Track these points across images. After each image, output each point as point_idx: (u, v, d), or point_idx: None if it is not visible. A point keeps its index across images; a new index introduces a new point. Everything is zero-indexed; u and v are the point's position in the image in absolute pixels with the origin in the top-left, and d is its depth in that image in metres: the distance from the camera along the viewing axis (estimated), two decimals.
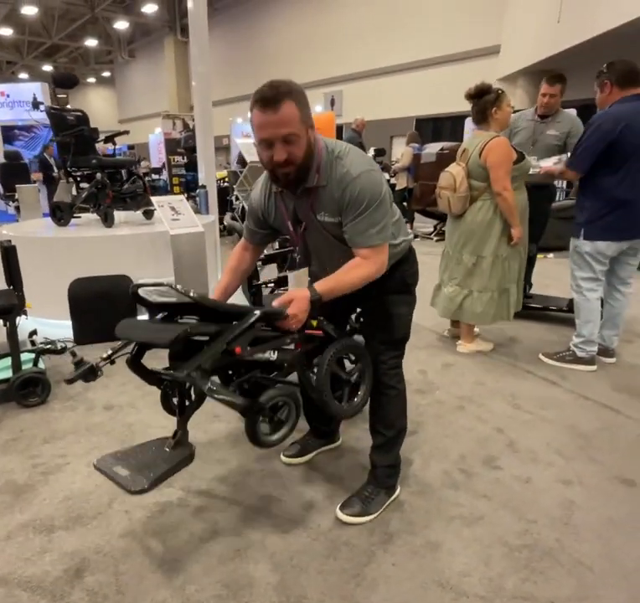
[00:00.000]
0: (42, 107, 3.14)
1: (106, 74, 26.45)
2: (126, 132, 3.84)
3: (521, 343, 3.23)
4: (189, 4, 3.93)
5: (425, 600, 1.38)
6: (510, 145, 2.72)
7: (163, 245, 3.31)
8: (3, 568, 1.48)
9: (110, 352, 1.54)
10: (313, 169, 1.41)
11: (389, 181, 8.16)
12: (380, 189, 1.41)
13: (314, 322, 1.53)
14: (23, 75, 23.12)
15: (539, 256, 5.82)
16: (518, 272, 2.89)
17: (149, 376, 1.57)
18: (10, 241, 2.39)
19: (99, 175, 3.43)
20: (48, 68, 23.28)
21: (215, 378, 1.44)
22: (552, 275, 4.88)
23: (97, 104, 28.47)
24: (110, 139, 3.73)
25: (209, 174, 4.36)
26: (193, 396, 1.54)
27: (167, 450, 1.49)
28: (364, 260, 1.45)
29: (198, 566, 1.48)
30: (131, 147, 21.58)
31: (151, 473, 1.38)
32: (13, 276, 2.29)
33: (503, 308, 2.91)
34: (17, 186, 6.27)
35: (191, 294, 1.32)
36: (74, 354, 1.59)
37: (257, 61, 18.35)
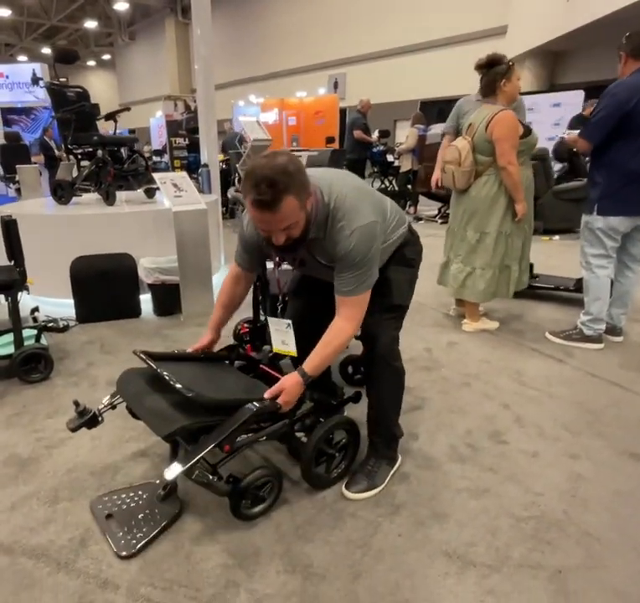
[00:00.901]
0: (41, 83, 3.08)
1: (107, 56, 26.08)
2: (128, 109, 3.78)
3: (527, 322, 3.20)
4: None
5: (431, 569, 1.37)
6: (517, 119, 2.65)
7: (166, 223, 3.27)
8: (8, 537, 1.48)
9: (109, 398, 1.60)
10: (311, 228, 1.42)
11: (392, 163, 8.05)
12: (372, 245, 1.43)
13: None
14: (22, 58, 22.80)
15: (545, 238, 5.78)
16: (521, 250, 2.84)
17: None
18: (11, 215, 2.35)
19: (100, 152, 3.37)
20: (47, 50, 22.94)
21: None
22: (558, 257, 4.82)
23: (98, 87, 28.10)
24: (111, 116, 3.66)
25: (211, 154, 4.29)
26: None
27: (156, 501, 1.53)
28: (345, 321, 1.48)
29: (204, 536, 1.47)
30: (132, 131, 21.37)
31: (140, 535, 1.43)
32: (14, 251, 2.25)
33: (502, 285, 2.86)
34: (17, 166, 6.19)
35: (190, 394, 1.37)
36: (77, 404, 1.61)
37: (260, 44, 18.05)
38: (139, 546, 1.39)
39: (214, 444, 1.37)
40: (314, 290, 1.78)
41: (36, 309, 2.73)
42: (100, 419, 1.60)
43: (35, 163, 7.87)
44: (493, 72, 2.62)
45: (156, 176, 3.02)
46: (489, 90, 2.68)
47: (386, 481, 1.69)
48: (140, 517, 1.48)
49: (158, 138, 12.34)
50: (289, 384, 1.47)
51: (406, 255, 1.71)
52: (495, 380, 2.44)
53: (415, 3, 13.47)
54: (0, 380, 2.43)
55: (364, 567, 1.38)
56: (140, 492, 1.58)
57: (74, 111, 3.33)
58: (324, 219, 1.43)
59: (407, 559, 1.40)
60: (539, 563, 1.39)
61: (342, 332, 1.49)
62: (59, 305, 3.36)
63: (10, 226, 2.18)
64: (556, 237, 5.82)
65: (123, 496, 1.57)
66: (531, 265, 3.74)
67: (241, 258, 1.74)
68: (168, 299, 3.23)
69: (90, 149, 3.51)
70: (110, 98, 27.26)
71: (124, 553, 1.37)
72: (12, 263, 2.31)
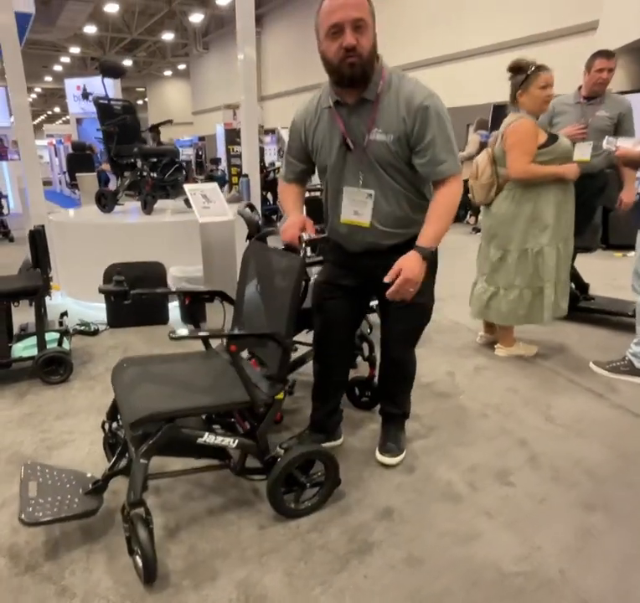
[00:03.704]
0: (90, 97, 3.37)
1: (182, 66, 27.74)
2: (170, 121, 4.00)
3: (571, 350, 2.97)
4: None
5: None
6: (536, 126, 2.50)
7: (196, 233, 3.41)
8: None
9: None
10: (377, 75, 1.47)
11: None
12: (446, 111, 1.50)
13: (280, 395, 1.56)
14: (108, 62, 24.85)
15: (617, 255, 5.37)
16: (556, 270, 2.63)
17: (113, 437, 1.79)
18: (43, 226, 2.57)
19: (139, 163, 3.60)
20: (128, 62, 24.85)
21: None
22: (626, 277, 4.44)
23: (172, 96, 30.01)
24: (154, 128, 3.90)
25: (251, 163, 4.43)
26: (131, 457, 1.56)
27: (81, 492, 1.57)
28: (446, 187, 1.52)
29: (167, 556, 1.51)
30: (201, 138, 22.54)
31: (48, 512, 1.47)
32: (40, 259, 2.46)
33: (536, 310, 2.67)
34: (77, 175, 6.75)
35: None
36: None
37: None
38: (41, 521, 1.45)
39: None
40: (338, 302, 1.79)
41: (65, 314, 2.95)
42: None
43: (104, 170, 8.54)
44: (514, 81, 2.53)
45: (186, 187, 3.17)
46: (511, 98, 2.59)
47: (405, 444, 1.97)
48: (58, 497, 1.53)
49: (221, 146, 12.91)
50: (407, 262, 1.49)
51: (432, 261, 1.70)
52: (518, 412, 2.30)
53: (491, 3, 13.12)
54: (25, 380, 2.64)
55: None
56: (71, 477, 1.64)
57: (117, 124, 3.59)
58: (392, 79, 1.50)
59: None
60: None
61: (447, 197, 1.54)
62: (95, 308, 3.60)
63: (36, 236, 2.38)
64: (631, 253, 5.37)
65: (55, 473, 1.65)
66: (586, 286, 3.50)
67: (288, 168, 1.78)
68: (195, 307, 3.36)
69: (133, 160, 3.75)
70: (184, 106, 28.99)
71: (24, 518, 1.43)
72: (38, 269, 2.51)
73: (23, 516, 1.43)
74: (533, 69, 2.43)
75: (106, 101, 3.74)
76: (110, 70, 3.80)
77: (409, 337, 1.84)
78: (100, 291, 1.79)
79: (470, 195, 2.80)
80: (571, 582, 1.41)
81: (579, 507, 1.70)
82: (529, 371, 2.71)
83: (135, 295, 1.77)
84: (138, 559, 1.38)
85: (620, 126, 3.11)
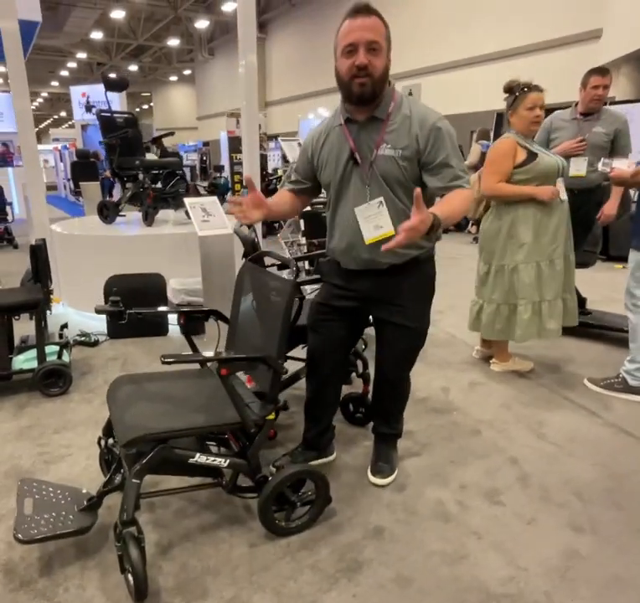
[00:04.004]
0: (93, 110, 3.43)
1: (187, 71, 27.97)
2: (172, 133, 4.06)
3: (567, 365, 3.00)
4: None
5: None
6: (515, 146, 2.52)
7: (196, 245, 3.46)
8: None
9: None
10: (388, 96, 1.56)
11: None
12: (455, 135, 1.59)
13: (271, 416, 1.61)
14: (111, 75, 25.11)
15: (618, 266, 5.38)
16: (536, 288, 2.62)
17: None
18: (44, 240, 2.62)
19: (140, 176, 3.66)
20: (134, 67, 25.11)
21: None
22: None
23: (178, 101, 30.22)
24: (157, 140, 3.96)
25: (253, 173, 4.48)
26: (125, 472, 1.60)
27: (76, 509, 1.61)
28: (460, 190, 1.55)
29: (159, 573, 1.54)
30: (205, 143, 22.68)
31: (43, 529, 1.50)
32: (40, 273, 2.51)
33: (512, 326, 2.70)
34: (81, 184, 6.83)
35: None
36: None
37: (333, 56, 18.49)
38: (36, 538, 1.48)
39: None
40: (334, 324, 1.82)
41: (65, 326, 3.00)
42: None
43: (107, 177, 8.64)
44: (507, 102, 2.58)
45: (186, 201, 3.23)
46: (507, 118, 2.63)
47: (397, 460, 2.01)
48: (53, 514, 1.57)
49: (225, 153, 13.02)
50: (423, 216, 1.34)
51: (430, 274, 1.78)
52: (510, 430, 2.32)
53: (494, 10, 13.22)
54: (25, 391, 2.69)
55: None
56: (66, 494, 1.68)
57: (119, 137, 3.65)
58: (403, 102, 1.59)
59: None
60: None
61: (460, 193, 1.55)
62: (96, 319, 3.64)
63: (37, 251, 2.43)
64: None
65: (51, 489, 1.69)
66: (583, 300, 3.52)
67: (291, 182, 1.81)
68: (194, 319, 3.40)
69: (134, 172, 3.81)
70: (188, 111, 29.19)
71: (20, 535, 1.46)
72: (38, 284, 2.56)
73: (18, 534, 1.47)
74: (522, 89, 2.48)
75: (109, 114, 3.81)
76: (114, 84, 3.87)
77: (404, 360, 1.86)
78: (97, 311, 1.83)
79: None
80: None
81: (567, 528, 1.72)
82: (523, 387, 2.74)
83: (131, 314, 1.81)
84: (130, 577, 1.42)
85: (616, 142, 3.15)
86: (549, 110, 3.73)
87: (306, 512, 1.70)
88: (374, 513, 1.79)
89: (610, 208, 3.15)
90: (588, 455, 2.13)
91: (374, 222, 1.61)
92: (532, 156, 2.54)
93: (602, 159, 2.65)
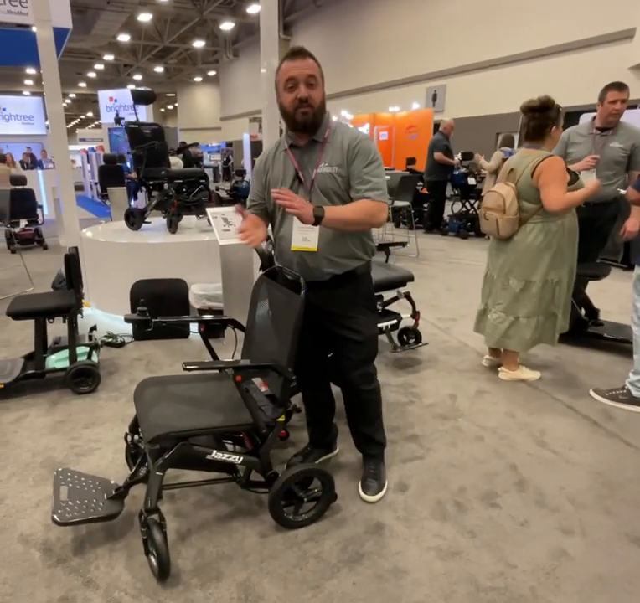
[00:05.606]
0: (122, 122, 3.65)
1: (212, 73, 28.48)
2: (196, 144, 4.29)
3: (575, 376, 3.10)
4: None
5: None
6: (565, 164, 2.67)
7: (217, 253, 3.67)
8: (27, 530, 1.86)
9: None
10: (325, 123, 1.79)
11: (474, 186, 7.95)
12: (377, 150, 1.81)
13: (281, 418, 1.79)
14: (137, 77, 25.80)
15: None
16: (566, 296, 2.85)
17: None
18: (76, 248, 2.86)
19: (166, 185, 3.89)
20: (159, 69, 25.69)
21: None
22: None
23: (202, 101, 30.77)
24: (181, 150, 4.19)
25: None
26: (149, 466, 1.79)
27: (105, 497, 1.82)
28: (373, 203, 1.74)
29: (178, 558, 1.74)
30: (229, 144, 23.10)
31: (77, 514, 1.72)
32: (73, 280, 2.74)
33: (548, 332, 2.88)
34: (108, 189, 7.14)
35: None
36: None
37: (359, 56, 18.64)
38: (70, 522, 1.69)
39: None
40: (311, 331, 1.95)
41: (94, 328, 3.24)
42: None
43: (131, 179, 8.97)
44: (545, 116, 2.66)
45: (209, 211, 3.43)
46: (537, 134, 2.71)
47: (386, 475, 2.11)
48: (85, 501, 1.79)
49: (248, 156, 13.28)
50: (307, 206, 1.64)
51: (370, 292, 1.97)
52: (513, 437, 2.45)
53: (521, 11, 13.18)
54: (57, 389, 2.93)
55: None
56: (97, 483, 1.90)
57: (146, 148, 3.89)
58: (338, 127, 1.83)
59: None
60: None
61: (365, 203, 1.74)
62: (122, 321, 3.89)
63: (70, 259, 2.67)
64: None
65: (83, 479, 1.91)
66: (596, 311, 3.61)
67: (251, 205, 1.99)
68: (213, 327, 3.62)
69: (160, 182, 4.05)
70: (213, 112, 29.71)
71: (57, 518, 1.67)
72: (71, 290, 2.79)
73: (55, 516, 1.68)
74: (559, 107, 2.62)
75: (137, 126, 4.05)
76: (141, 98, 4.11)
77: (362, 365, 1.95)
78: (126, 320, 2.04)
79: (484, 227, 2.90)
80: (541, 599, 1.58)
81: (557, 531, 1.86)
82: (529, 395, 2.86)
83: (156, 323, 2.01)
84: (153, 559, 1.62)
85: (633, 158, 3.24)
86: (577, 113, 3.80)
87: (313, 507, 1.87)
88: (376, 511, 1.95)
89: (633, 224, 3.22)
90: (585, 462, 2.25)
91: (304, 234, 1.83)
92: (574, 175, 2.74)
93: (619, 190, 2.79)
